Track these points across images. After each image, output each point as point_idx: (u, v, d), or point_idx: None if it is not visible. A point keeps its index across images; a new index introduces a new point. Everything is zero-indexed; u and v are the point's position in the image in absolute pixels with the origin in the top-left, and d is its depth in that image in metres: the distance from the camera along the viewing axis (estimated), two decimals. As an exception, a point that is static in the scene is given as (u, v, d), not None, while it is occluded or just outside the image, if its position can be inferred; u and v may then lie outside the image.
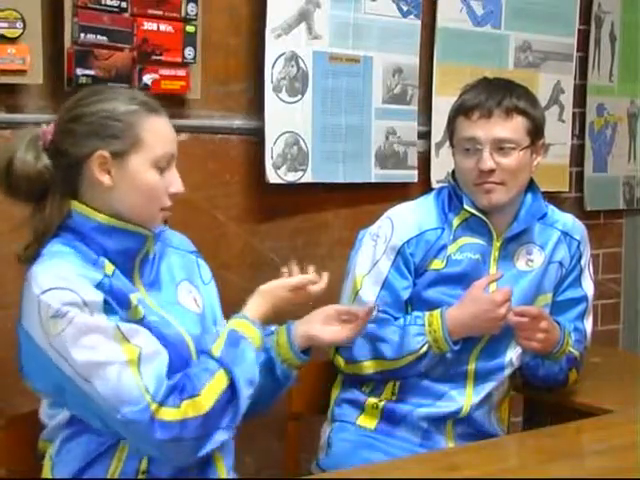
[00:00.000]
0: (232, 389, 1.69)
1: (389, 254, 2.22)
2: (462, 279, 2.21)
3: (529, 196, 2.29)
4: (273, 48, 2.75)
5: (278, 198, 2.83)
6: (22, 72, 2.32)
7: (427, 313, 2.18)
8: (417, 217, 2.26)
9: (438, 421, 2.22)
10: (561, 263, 2.31)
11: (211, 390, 1.67)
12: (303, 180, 2.85)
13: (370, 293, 2.21)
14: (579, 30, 3.46)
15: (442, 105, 3.11)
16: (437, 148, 3.14)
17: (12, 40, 2.29)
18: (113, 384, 1.62)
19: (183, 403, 1.65)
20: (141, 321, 1.70)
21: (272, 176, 2.78)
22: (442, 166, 3.10)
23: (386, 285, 2.22)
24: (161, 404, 1.63)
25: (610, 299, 3.75)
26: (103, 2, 2.42)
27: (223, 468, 1.80)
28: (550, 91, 3.39)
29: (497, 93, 2.19)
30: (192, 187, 2.60)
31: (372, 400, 2.24)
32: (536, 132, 2.24)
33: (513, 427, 2.63)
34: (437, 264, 2.22)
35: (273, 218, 2.86)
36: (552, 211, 2.36)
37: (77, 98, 1.78)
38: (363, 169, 2.97)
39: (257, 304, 1.85)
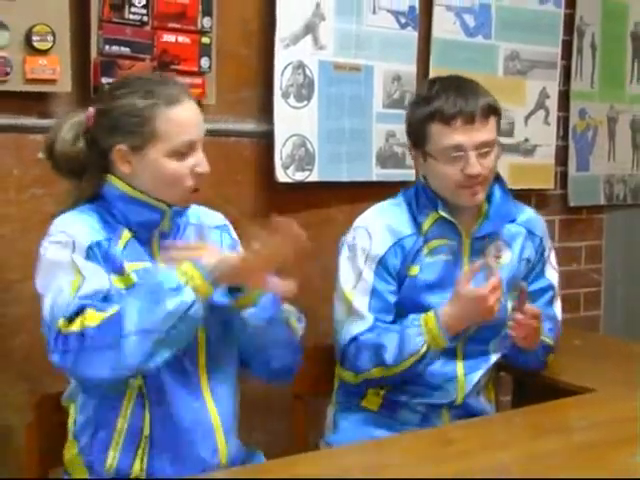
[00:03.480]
0: (120, 311, 1.58)
1: (370, 264, 2.14)
2: (440, 281, 2.14)
3: (497, 193, 2.20)
4: (282, 57, 2.75)
5: (287, 196, 2.83)
6: (52, 81, 2.33)
7: (422, 314, 2.10)
8: (391, 225, 2.16)
9: (435, 407, 2.18)
10: (528, 259, 2.26)
11: (103, 313, 1.59)
12: (310, 179, 2.85)
13: (362, 303, 2.13)
14: (563, 40, 3.46)
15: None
16: (432, 149, 3.13)
17: (43, 52, 2.29)
18: (51, 305, 1.62)
19: (78, 318, 1.59)
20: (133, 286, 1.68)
21: (281, 175, 2.78)
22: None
23: (374, 293, 2.13)
24: (66, 317, 1.59)
25: (592, 287, 3.74)
26: (126, 16, 2.43)
27: (222, 435, 1.78)
28: (536, 96, 3.39)
29: (471, 96, 2.08)
30: (207, 185, 2.60)
31: (374, 389, 2.19)
32: (500, 126, 2.16)
33: (503, 405, 2.63)
34: (414, 270, 2.15)
35: (282, 214, 2.77)
36: (517, 208, 2.28)
37: (110, 89, 1.79)
38: (365, 169, 2.97)
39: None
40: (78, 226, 1.70)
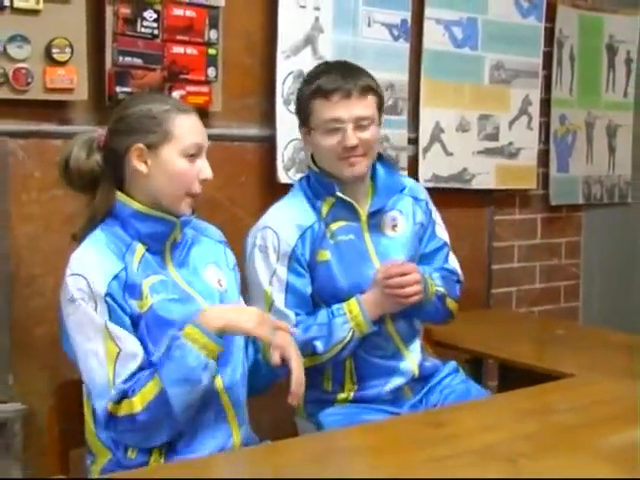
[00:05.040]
0: (163, 395, 1.63)
1: (283, 261, 2.09)
2: (349, 261, 2.12)
3: (381, 170, 2.20)
4: (283, 67, 2.77)
5: (288, 196, 2.84)
6: (70, 90, 2.35)
7: (345, 303, 2.09)
8: (294, 218, 2.13)
9: (399, 388, 2.17)
10: (422, 224, 2.26)
11: (143, 395, 1.64)
12: (309, 180, 2.86)
13: (279, 300, 2.09)
14: (544, 52, 3.47)
15: (428, 115, 3.14)
16: (424, 152, 3.15)
17: (62, 63, 2.31)
18: (91, 374, 1.67)
19: (124, 402, 1.64)
20: (150, 308, 1.70)
21: (283, 177, 2.80)
22: (428, 167, 3.14)
23: (289, 289, 2.09)
24: (114, 401, 1.64)
25: (571, 280, 3.77)
26: (138, 30, 2.44)
27: (236, 423, 1.80)
28: (520, 103, 3.41)
29: (350, 76, 2.10)
30: (214, 187, 2.64)
31: (341, 395, 2.16)
32: (382, 107, 2.17)
33: (489, 390, 2.64)
34: (324, 255, 2.12)
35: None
36: (402, 179, 2.30)
37: (122, 104, 1.83)
38: (360, 171, 2.97)
39: (218, 311, 1.73)
40: (94, 266, 1.69)
